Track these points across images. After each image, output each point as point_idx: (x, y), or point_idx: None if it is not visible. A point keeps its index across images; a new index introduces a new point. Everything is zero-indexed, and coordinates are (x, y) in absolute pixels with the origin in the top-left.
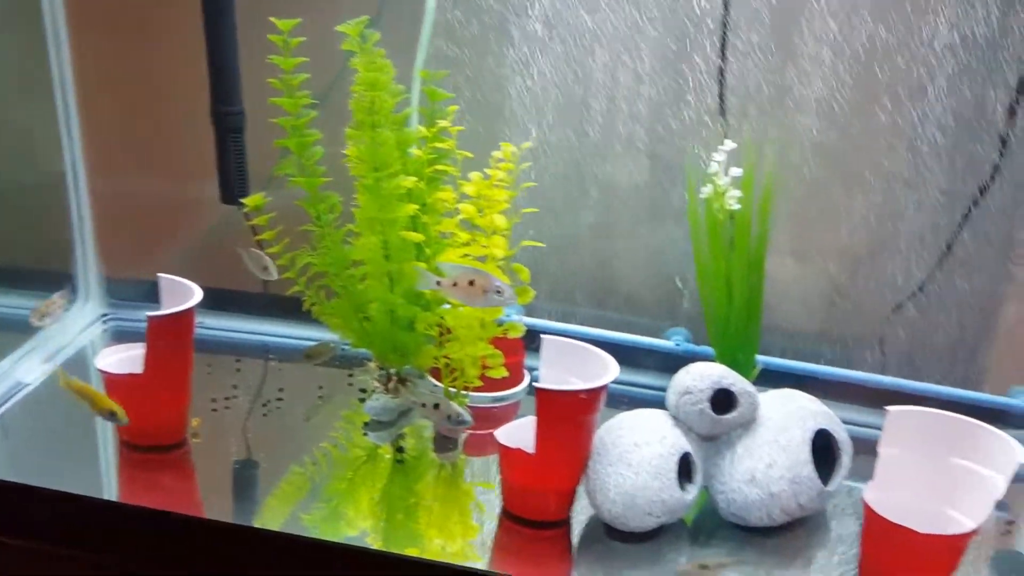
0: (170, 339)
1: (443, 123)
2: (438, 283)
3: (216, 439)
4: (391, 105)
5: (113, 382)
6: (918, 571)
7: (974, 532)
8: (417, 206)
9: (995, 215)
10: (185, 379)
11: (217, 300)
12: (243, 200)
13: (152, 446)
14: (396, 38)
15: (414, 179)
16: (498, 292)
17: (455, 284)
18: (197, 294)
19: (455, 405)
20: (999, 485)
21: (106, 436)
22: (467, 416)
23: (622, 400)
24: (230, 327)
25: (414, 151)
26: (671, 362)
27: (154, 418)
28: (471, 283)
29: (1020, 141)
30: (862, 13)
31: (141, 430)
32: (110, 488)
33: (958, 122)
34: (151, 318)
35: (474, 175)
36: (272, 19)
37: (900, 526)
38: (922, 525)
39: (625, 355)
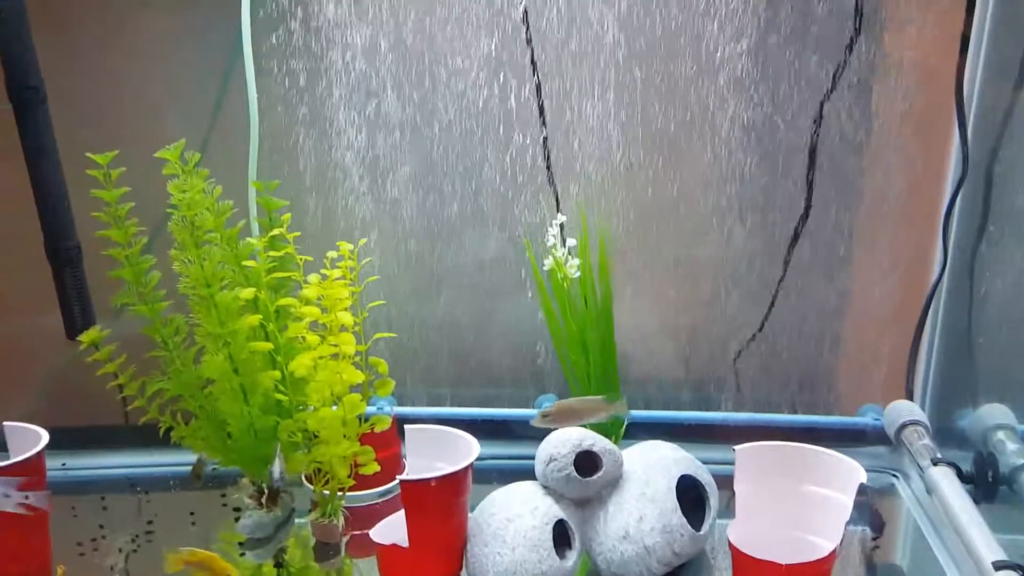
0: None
1: (278, 230)
2: None
3: None
4: (215, 222)
5: None
6: None
7: (832, 554)
8: (260, 316)
9: (819, 243)
10: (43, 527)
11: (76, 439)
12: (79, 337)
13: None
14: (228, 154)
15: (252, 290)
16: None
17: None
18: (43, 439)
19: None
20: (847, 505)
21: None
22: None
23: (502, 475)
24: (93, 464)
25: (250, 263)
26: (544, 430)
27: (15, 573)
28: None
29: (825, 171)
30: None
31: None
32: None
33: (772, 163)
34: None
35: (312, 277)
36: (89, 155)
37: (764, 561)
38: (785, 555)
39: (499, 429)
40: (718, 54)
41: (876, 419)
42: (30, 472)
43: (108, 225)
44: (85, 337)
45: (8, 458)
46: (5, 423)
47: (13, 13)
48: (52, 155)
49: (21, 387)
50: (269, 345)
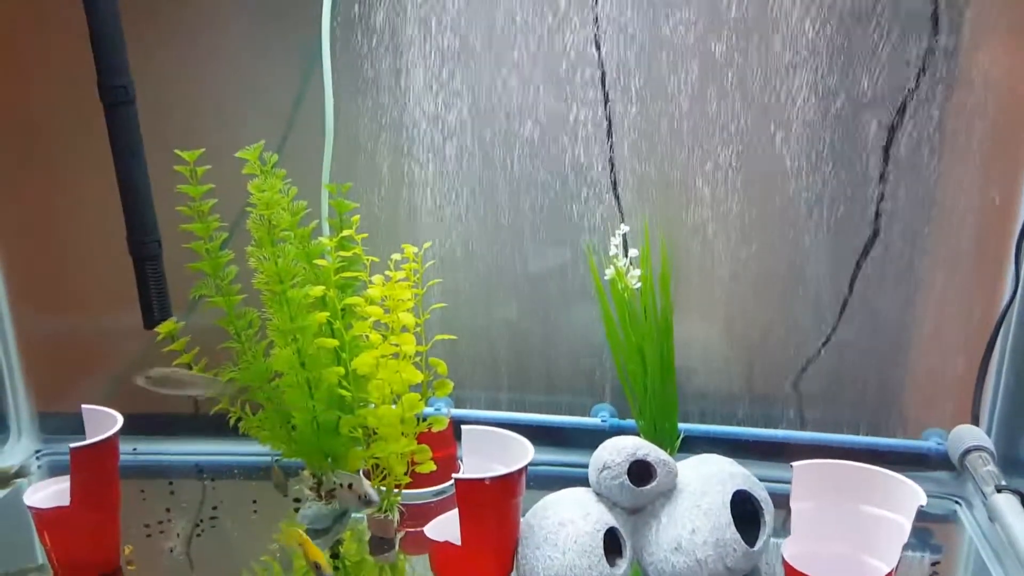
0: (94, 469)
1: (347, 232)
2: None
3: (152, 565)
4: (290, 221)
5: (41, 517)
6: None
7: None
8: (327, 313)
9: (888, 261)
10: (114, 507)
11: (149, 425)
12: (157, 328)
13: None
14: (305, 155)
15: (322, 288)
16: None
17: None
18: (118, 422)
19: (367, 484)
20: (905, 528)
21: (40, 570)
22: (375, 496)
23: (555, 481)
24: (163, 450)
25: (321, 262)
26: (600, 438)
27: (85, 549)
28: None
29: (895, 189)
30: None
31: (73, 562)
32: None
33: (842, 178)
34: (73, 450)
35: (376, 277)
36: (177, 151)
37: None
38: (839, 575)
39: (554, 435)
40: (792, 72)
41: (939, 443)
42: (104, 454)
43: (191, 219)
44: (163, 328)
45: (85, 439)
46: (83, 406)
47: (106, 12)
48: (139, 153)
49: (100, 374)
50: (335, 342)
